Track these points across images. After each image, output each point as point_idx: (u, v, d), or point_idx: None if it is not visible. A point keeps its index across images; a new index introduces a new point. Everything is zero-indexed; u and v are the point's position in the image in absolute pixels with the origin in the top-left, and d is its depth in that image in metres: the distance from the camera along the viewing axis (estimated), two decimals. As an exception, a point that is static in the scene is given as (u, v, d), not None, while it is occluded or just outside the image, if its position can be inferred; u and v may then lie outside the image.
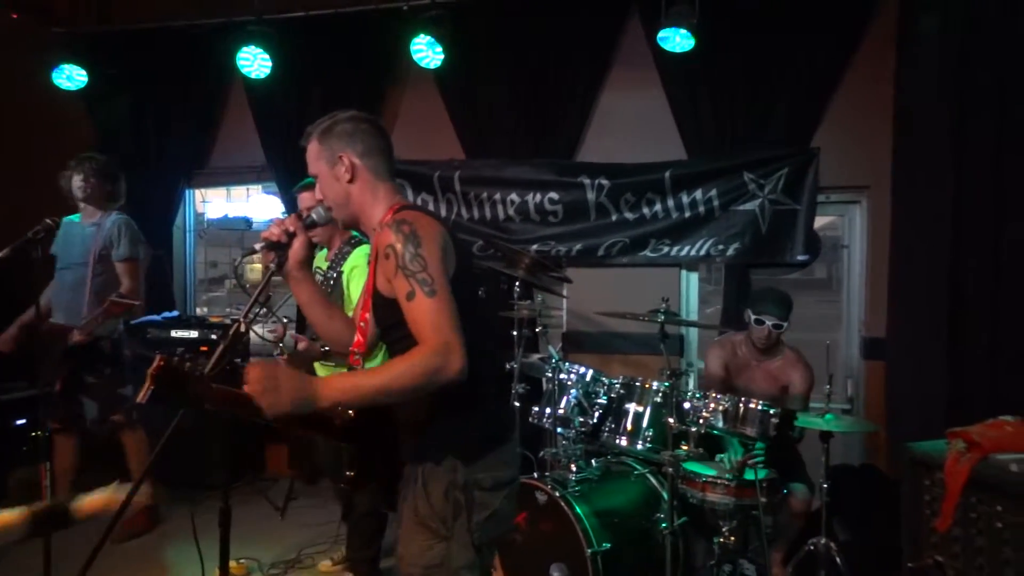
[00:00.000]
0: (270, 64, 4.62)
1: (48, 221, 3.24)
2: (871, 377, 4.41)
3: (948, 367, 3.91)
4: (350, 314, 2.49)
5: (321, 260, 3.28)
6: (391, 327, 1.82)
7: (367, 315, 1.95)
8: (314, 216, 1.95)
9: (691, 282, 4.77)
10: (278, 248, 1.89)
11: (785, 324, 3.47)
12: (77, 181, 3.95)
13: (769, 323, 3.45)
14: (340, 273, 3.16)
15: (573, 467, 3.31)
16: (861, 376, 4.48)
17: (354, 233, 3.26)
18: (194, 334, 4.74)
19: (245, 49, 4.57)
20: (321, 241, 3.27)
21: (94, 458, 4.10)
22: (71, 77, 4.86)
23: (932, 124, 3.99)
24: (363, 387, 1.62)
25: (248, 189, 5.67)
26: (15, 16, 5.01)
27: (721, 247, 4.44)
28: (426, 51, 4.44)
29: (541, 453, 3.56)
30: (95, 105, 5.35)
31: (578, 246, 4.65)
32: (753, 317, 3.52)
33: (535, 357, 4.06)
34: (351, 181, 1.89)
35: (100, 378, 3.93)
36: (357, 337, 1.96)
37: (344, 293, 3.12)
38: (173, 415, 1.72)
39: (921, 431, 3.38)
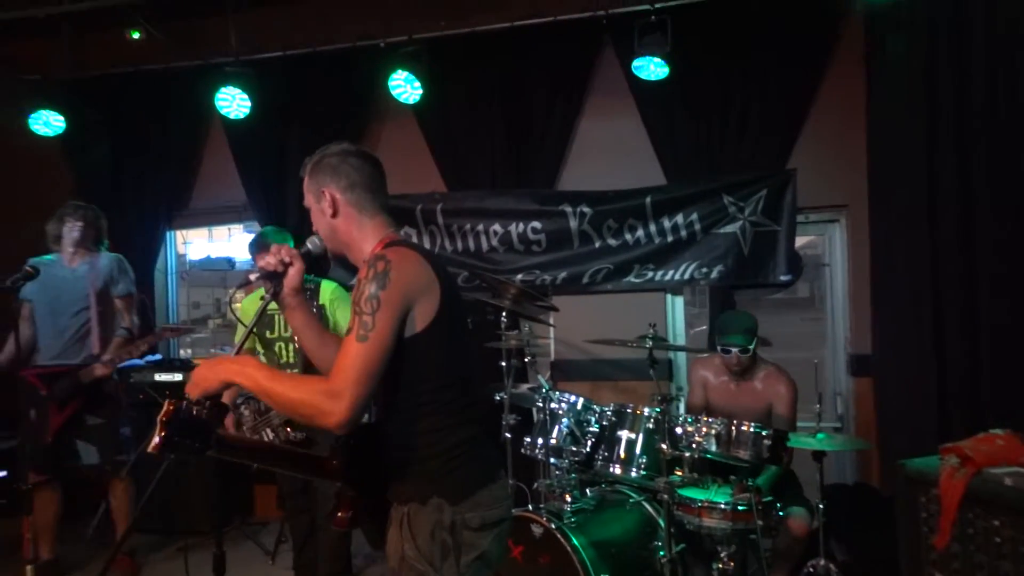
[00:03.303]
0: (249, 104, 4.63)
1: (28, 268, 3.20)
2: (860, 394, 4.43)
3: (935, 381, 3.94)
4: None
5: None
6: None
7: None
8: (309, 246, 1.95)
9: (677, 306, 4.79)
10: (274, 277, 1.90)
11: (751, 347, 3.49)
12: (71, 228, 3.92)
13: (735, 350, 3.48)
14: (321, 307, 3.41)
15: (568, 498, 3.28)
16: (850, 393, 4.50)
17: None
18: (178, 377, 4.67)
19: (223, 90, 4.58)
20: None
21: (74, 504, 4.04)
22: (48, 123, 4.84)
23: (904, 140, 4.08)
24: (260, 383, 1.65)
25: (230, 229, 5.64)
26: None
27: (705, 270, 4.47)
28: (404, 86, 4.48)
29: (535, 484, 3.52)
30: (73, 150, 5.32)
31: (563, 274, 4.66)
32: (719, 348, 3.56)
33: (525, 387, 4.03)
34: (334, 216, 1.88)
35: (102, 419, 3.89)
36: None
37: (331, 322, 3.45)
38: (157, 461, 1.70)
39: (912, 446, 3.40)
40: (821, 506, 3.08)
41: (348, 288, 5.08)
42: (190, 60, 4.86)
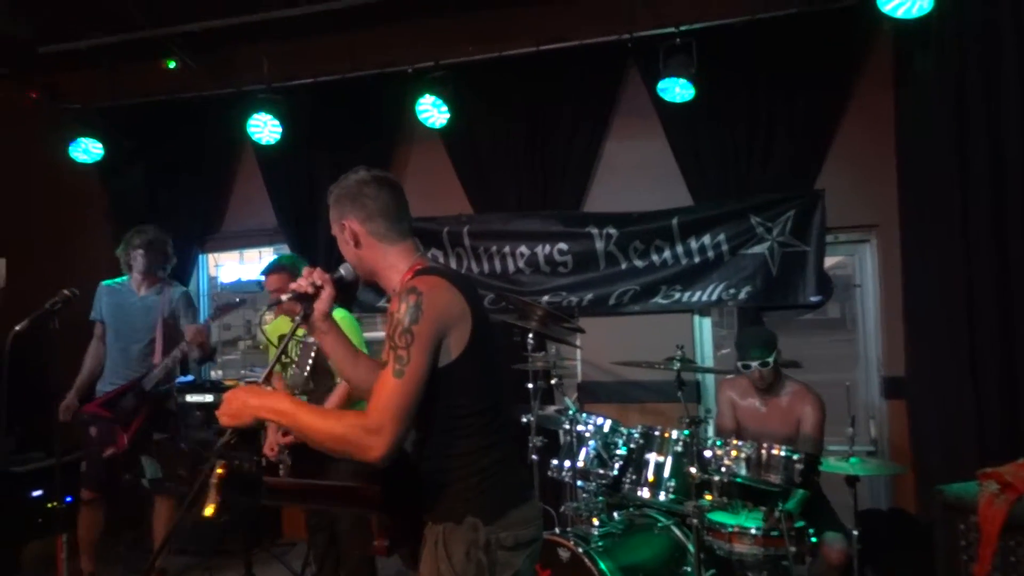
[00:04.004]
0: (280, 130, 4.73)
1: (66, 292, 3.28)
2: (894, 417, 4.34)
3: (972, 403, 3.85)
4: None
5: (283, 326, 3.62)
6: None
7: None
8: (342, 272, 1.97)
9: (704, 327, 4.75)
10: (305, 300, 1.92)
11: (771, 360, 3.47)
12: (134, 257, 4.06)
13: (755, 364, 3.46)
14: None
15: (595, 521, 3.25)
16: (883, 416, 4.41)
17: None
18: (209, 398, 4.74)
19: (255, 116, 4.69)
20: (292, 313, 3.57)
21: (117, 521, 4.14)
22: (87, 150, 5.00)
23: (935, 158, 4.03)
24: (297, 420, 1.67)
25: (260, 252, 5.74)
26: (34, 95, 5.17)
27: (732, 291, 4.43)
28: (431, 111, 4.54)
29: (562, 508, 3.49)
30: (110, 176, 5.46)
31: (589, 296, 4.66)
32: (740, 365, 3.54)
33: (551, 409, 4.01)
34: (357, 246, 1.90)
35: (166, 435, 4.01)
36: None
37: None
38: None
39: (949, 471, 3.32)
40: (856, 532, 3.01)
41: (375, 309, 5.13)
42: (223, 88, 5.00)
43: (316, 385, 3.49)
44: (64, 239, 4.22)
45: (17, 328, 3.28)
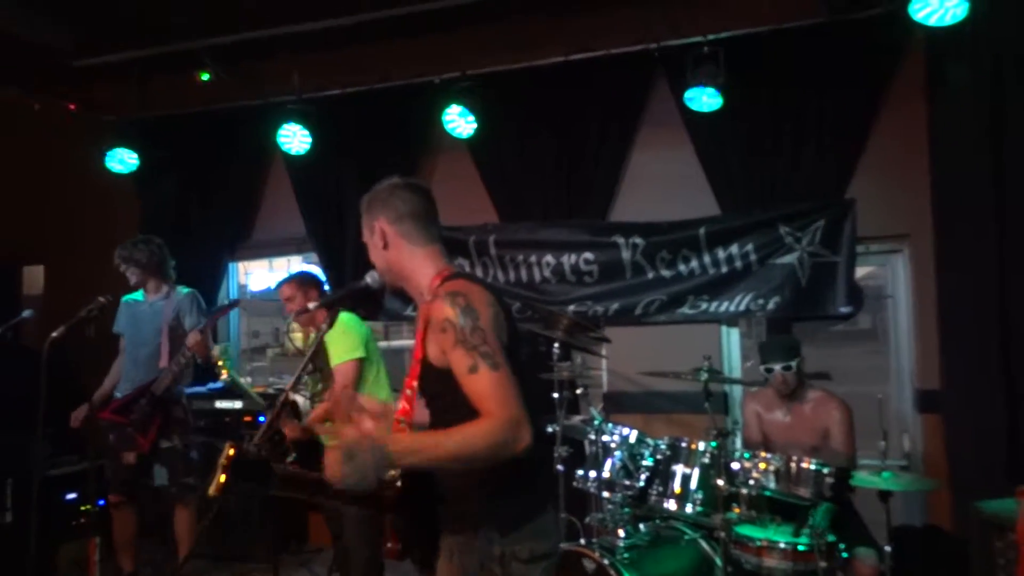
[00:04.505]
0: (309, 140, 4.80)
1: (101, 299, 3.36)
2: (928, 431, 4.25)
3: (1008, 417, 3.75)
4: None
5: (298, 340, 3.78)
6: (437, 396, 1.83)
7: (413, 383, 1.94)
8: (368, 280, 2.00)
9: (732, 338, 4.70)
10: (331, 308, 1.98)
11: (793, 364, 3.46)
12: (126, 271, 4.12)
13: (777, 368, 3.46)
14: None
15: (621, 532, 3.21)
16: (917, 430, 4.31)
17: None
18: (238, 404, 4.80)
19: (285, 127, 4.76)
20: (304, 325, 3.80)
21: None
22: (122, 161, 5.12)
23: (969, 168, 3.96)
24: (437, 451, 1.61)
25: (289, 260, 5.81)
26: (72, 107, 5.30)
27: (761, 301, 4.38)
28: (458, 121, 4.57)
29: (587, 518, 3.47)
30: (144, 186, 5.58)
31: (615, 305, 4.63)
32: (763, 369, 3.53)
33: (577, 419, 4.00)
34: (385, 248, 1.92)
35: (173, 443, 4.03)
36: (403, 404, 1.97)
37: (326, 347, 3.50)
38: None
39: (986, 486, 3.25)
40: (888, 549, 2.94)
41: (401, 318, 5.15)
42: (254, 99, 5.08)
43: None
44: (100, 247, 4.30)
45: (54, 334, 3.37)
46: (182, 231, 5.51)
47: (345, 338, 3.44)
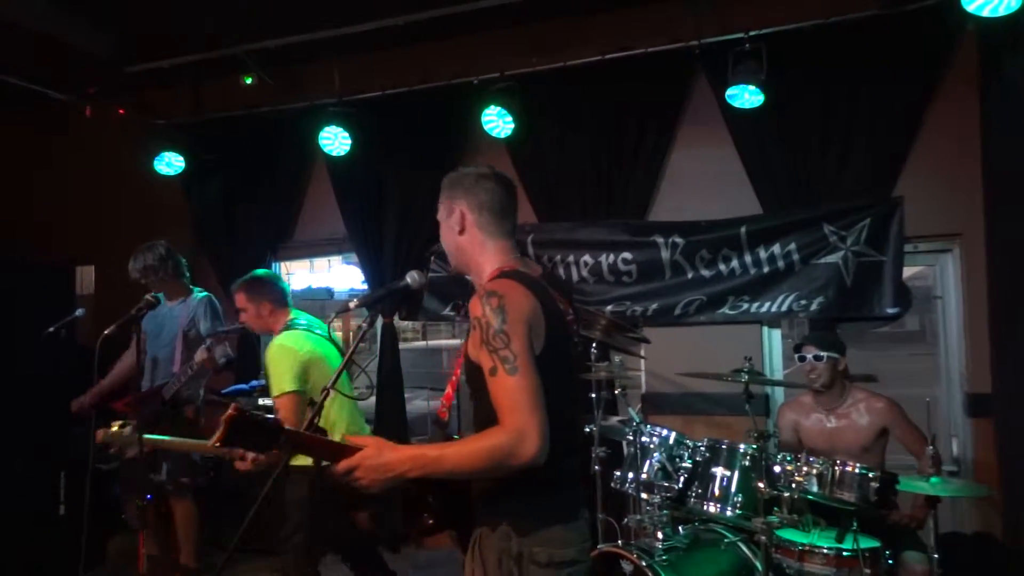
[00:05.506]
0: (350, 142, 4.86)
1: (149, 297, 3.44)
2: (978, 436, 4.12)
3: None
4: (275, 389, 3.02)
5: None
6: (474, 390, 1.85)
7: (459, 370, 1.97)
8: (408, 280, 2.03)
9: (774, 339, 4.62)
10: (371, 307, 2.00)
11: (825, 355, 3.40)
12: (135, 272, 4.22)
13: (809, 355, 3.42)
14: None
15: (659, 534, 3.19)
16: (967, 435, 4.19)
17: None
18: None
19: (327, 129, 4.83)
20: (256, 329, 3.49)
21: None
22: (170, 163, 5.26)
23: (1024, 165, 3.82)
24: (442, 463, 1.67)
25: (329, 260, 5.90)
26: (122, 112, 5.47)
27: (804, 302, 4.30)
28: (497, 121, 4.59)
29: (625, 520, 3.45)
30: (190, 187, 5.72)
31: (654, 305, 4.59)
32: (796, 358, 3.48)
33: (615, 420, 3.98)
34: (461, 233, 1.94)
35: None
36: (448, 390, 2.00)
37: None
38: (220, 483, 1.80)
39: (1041, 495, 3.13)
40: (936, 556, 2.86)
41: (440, 318, 5.19)
42: (296, 102, 5.16)
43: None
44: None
45: (106, 332, 3.47)
46: (227, 231, 5.65)
47: (273, 368, 3.15)
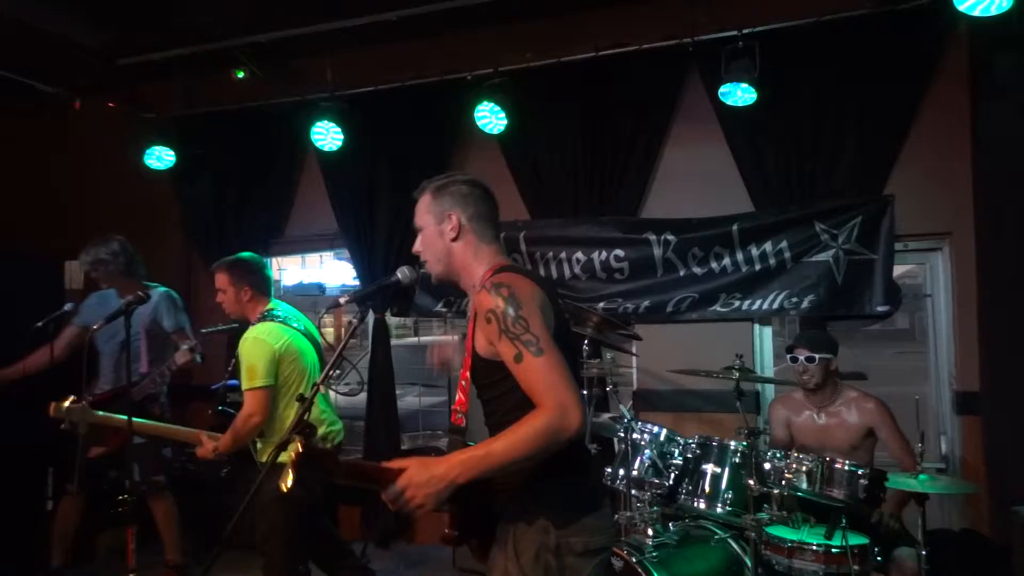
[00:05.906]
0: (342, 137, 4.84)
1: (140, 293, 3.42)
2: (966, 434, 4.15)
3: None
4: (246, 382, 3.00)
5: None
6: (487, 386, 1.86)
7: (467, 374, 1.97)
8: (399, 276, 2.06)
9: (765, 336, 4.64)
10: (362, 303, 2.02)
11: (817, 356, 3.40)
12: (85, 265, 4.11)
13: (801, 357, 3.42)
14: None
15: (650, 531, 3.20)
16: (956, 433, 4.22)
17: None
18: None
19: (319, 124, 4.80)
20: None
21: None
22: (160, 158, 5.22)
23: (1014, 164, 3.85)
24: (492, 458, 1.64)
25: (321, 256, 5.88)
26: (111, 105, 5.42)
27: (795, 299, 4.32)
28: (489, 117, 4.57)
29: (615, 517, 3.45)
30: (181, 182, 5.69)
31: (646, 303, 4.60)
32: (788, 359, 3.49)
33: (606, 417, 3.98)
34: (455, 239, 1.98)
35: (145, 439, 3.95)
36: (459, 396, 2.00)
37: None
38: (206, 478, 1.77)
39: (1027, 492, 3.15)
40: (924, 552, 2.88)
41: (431, 314, 5.19)
42: (288, 97, 5.14)
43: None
44: (138, 242, 4.39)
45: (94, 327, 3.45)
46: (218, 226, 5.62)
47: (246, 362, 3.13)
